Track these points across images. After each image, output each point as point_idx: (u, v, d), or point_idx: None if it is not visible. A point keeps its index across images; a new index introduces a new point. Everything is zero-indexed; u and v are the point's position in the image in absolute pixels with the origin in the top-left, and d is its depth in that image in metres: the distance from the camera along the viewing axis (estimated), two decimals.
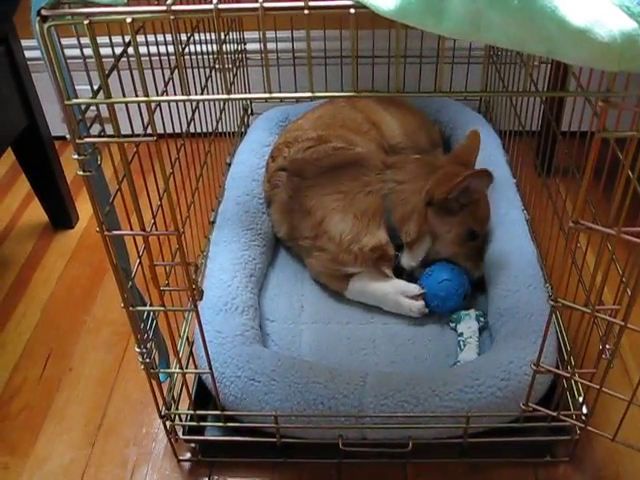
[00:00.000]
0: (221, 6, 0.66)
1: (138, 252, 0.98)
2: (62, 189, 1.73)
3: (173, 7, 0.67)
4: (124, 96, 0.83)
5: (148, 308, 0.99)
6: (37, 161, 1.68)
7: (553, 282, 1.29)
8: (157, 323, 1.08)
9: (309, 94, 0.69)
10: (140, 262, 0.98)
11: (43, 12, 0.69)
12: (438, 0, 0.60)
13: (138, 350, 0.99)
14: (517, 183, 1.57)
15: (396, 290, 1.35)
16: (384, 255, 1.36)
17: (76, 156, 0.78)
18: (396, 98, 1.75)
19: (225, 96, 0.71)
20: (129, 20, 0.67)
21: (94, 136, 0.79)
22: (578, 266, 1.13)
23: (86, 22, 0.68)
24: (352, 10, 0.65)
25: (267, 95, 0.70)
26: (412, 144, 1.67)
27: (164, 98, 0.78)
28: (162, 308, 0.94)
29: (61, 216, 1.78)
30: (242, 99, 1.83)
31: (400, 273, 1.40)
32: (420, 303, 1.33)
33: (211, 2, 0.66)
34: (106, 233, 0.85)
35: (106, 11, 0.69)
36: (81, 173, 0.79)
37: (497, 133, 1.76)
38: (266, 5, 0.66)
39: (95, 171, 0.82)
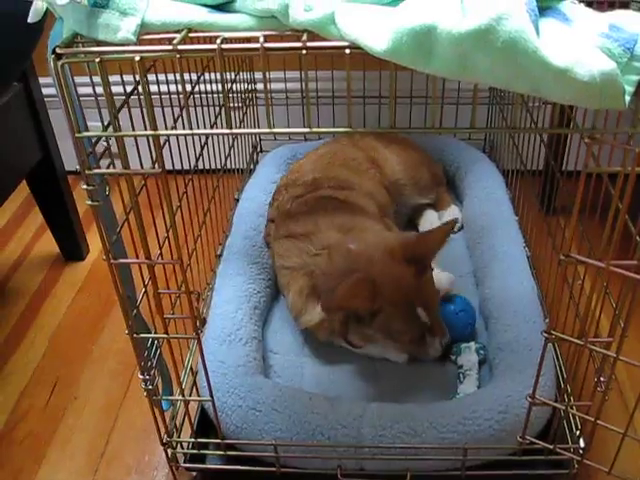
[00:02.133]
0: (224, 46, 0.70)
1: (144, 281, 1.01)
2: (74, 222, 1.78)
3: (179, 47, 0.71)
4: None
5: (152, 335, 1.01)
6: (50, 194, 1.72)
7: (552, 315, 1.30)
8: (161, 352, 1.11)
9: (307, 130, 0.73)
10: (145, 291, 1.01)
11: (58, 50, 0.74)
12: (428, 42, 0.64)
13: (141, 377, 1.01)
14: (519, 221, 1.60)
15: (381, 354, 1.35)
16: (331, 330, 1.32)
17: (85, 186, 0.82)
18: (398, 136, 1.78)
19: (227, 130, 0.74)
20: (137, 58, 0.71)
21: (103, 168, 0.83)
22: (575, 299, 1.14)
23: (97, 60, 0.72)
24: (347, 50, 0.69)
25: (267, 130, 0.73)
26: (413, 181, 1.69)
27: (170, 132, 0.81)
28: (165, 335, 0.96)
29: (72, 248, 1.82)
30: (245, 134, 1.87)
31: None
32: (404, 357, 1.33)
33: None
34: (112, 261, 0.88)
35: (116, 50, 0.73)
36: (89, 203, 0.83)
37: (501, 172, 1.80)
38: (267, 45, 0.69)
39: (103, 201, 0.85)
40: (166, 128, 1.08)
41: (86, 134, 0.79)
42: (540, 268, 1.44)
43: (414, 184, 1.70)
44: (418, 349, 1.29)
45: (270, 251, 1.52)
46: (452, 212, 1.72)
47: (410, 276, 1.22)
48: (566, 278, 1.07)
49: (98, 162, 0.84)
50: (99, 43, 0.75)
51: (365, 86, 1.84)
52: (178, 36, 0.72)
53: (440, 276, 1.38)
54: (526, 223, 1.58)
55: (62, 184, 1.72)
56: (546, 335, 0.91)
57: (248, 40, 0.75)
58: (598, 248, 0.86)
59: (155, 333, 1.04)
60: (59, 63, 0.74)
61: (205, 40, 0.75)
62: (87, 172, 0.81)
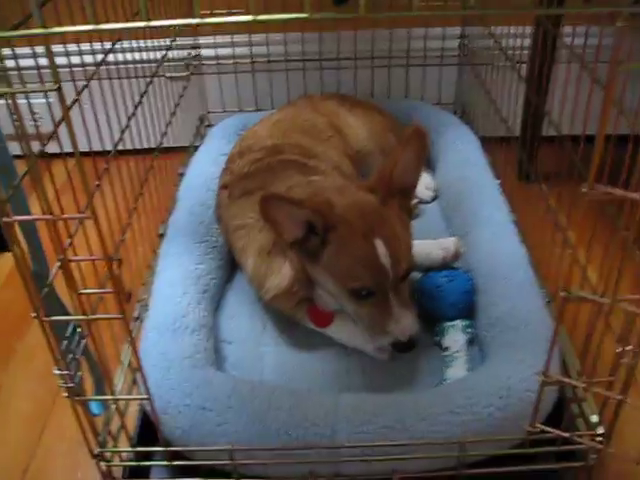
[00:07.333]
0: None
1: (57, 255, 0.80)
2: None
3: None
4: None
5: (66, 318, 0.81)
6: None
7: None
8: (87, 345, 0.90)
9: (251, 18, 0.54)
10: (62, 264, 0.80)
11: None
12: None
13: (58, 372, 0.81)
14: (501, 185, 1.43)
15: (358, 344, 1.17)
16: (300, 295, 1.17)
17: None
18: (362, 100, 1.65)
19: (143, 23, 0.55)
20: None
21: None
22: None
23: None
24: None
25: (195, 20, 0.54)
26: (379, 147, 1.55)
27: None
28: (84, 317, 0.76)
29: None
30: (161, 26, 1.53)
31: None
32: (385, 356, 1.13)
33: None
34: (5, 219, 0.68)
35: None
36: None
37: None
38: None
39: None
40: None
41: None
42: (526, 235, 1.27)
43: (380, 152, 1.55)
44: (381, 321, 1.06)
45: (221, 225, 1.34)
46: (424, 181, 1.55)
47: (372, 201, 1.07)
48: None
49: None
50: None
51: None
52: None
53: (444, 241, 1.27)
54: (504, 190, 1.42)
55: None
56: (563, 294, 0.73)
57: None
58: None
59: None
60: None
61: None
62: None
